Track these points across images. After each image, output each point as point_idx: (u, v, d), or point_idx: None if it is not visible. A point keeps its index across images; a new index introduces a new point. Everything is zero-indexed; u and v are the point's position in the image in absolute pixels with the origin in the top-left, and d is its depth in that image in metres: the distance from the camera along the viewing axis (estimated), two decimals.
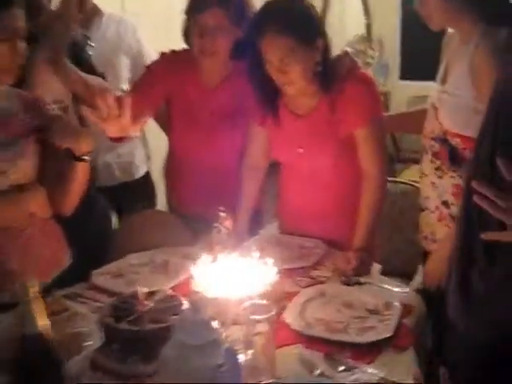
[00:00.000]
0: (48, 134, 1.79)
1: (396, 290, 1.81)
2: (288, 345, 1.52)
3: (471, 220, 1.38)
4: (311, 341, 1.53)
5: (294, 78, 1.95)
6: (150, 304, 1.53)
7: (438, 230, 1.96)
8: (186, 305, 1.52)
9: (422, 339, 1.68)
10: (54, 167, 1.84)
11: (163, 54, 2.35)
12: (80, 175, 1.85)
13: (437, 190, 1.95)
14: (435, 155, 1.93)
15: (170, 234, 2.35)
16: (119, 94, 2.17)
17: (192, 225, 2.36)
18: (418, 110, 2.24)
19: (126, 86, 2.73)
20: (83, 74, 2.29)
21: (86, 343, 1.50)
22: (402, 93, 6.34)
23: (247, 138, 2.28)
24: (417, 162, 4.94)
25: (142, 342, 1.42)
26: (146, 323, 1.45)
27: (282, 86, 2.00)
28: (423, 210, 2.05)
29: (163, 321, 1.45)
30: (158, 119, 2.60)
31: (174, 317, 1.46)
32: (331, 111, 2.04)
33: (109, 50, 2.71)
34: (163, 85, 2.30)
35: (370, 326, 1.57)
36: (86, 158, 1.82)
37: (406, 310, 1.67)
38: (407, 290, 1.82)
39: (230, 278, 1.69)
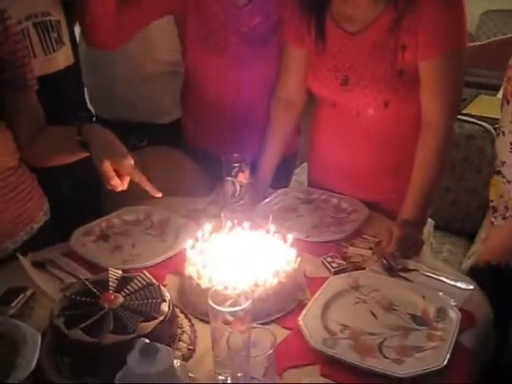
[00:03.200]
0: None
1: (453, 284, 1.37)
2: (301, 365, 1.13)
3: None
4: (331, 363, 1.13)
5: None
6: (118, 298, 1.15)
7: None
8: (165, 304, 1.14)
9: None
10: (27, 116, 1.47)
11: None
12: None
13: None
14: None
15: (179, 176, 1.95)
16: None
17: (210, 166, 1.93)
18: None
19: None
20: None
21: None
22: (475, 6, 5.64)
23: (281, 66, 1.79)
24: (492, 88, 4.19)
25: (98, 357, 1.05)
26: (106, 331, 1.07)
27: None
28: (496, 174, 1.56)
29: (129, 328, 1.07)
30: None
31: (143, 324, 1.08)
32: (394, 31, 1.51)
33: None
34: None
35: (414, 346, 1.15)
36: None
37: (466, 320, 1.23)
38: (471, 286, 1.35)
39: (235, 260, 1.29)
